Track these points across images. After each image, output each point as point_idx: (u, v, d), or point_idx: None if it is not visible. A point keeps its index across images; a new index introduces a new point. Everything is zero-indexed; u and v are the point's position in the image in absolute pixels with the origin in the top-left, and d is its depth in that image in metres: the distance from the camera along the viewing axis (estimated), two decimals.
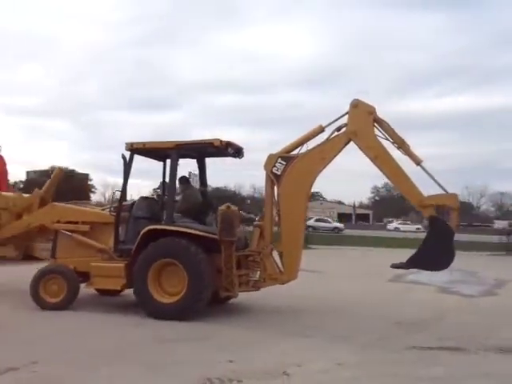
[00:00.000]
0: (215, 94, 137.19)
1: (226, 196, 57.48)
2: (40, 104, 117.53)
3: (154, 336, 6.96)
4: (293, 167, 8.32)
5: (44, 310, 8.43)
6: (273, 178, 8.44)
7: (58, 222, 9.27)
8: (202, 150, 9.09)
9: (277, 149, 8.61)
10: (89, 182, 76.16)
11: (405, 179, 8.09)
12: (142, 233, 8.27)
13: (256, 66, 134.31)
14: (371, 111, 8.17)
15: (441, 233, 7.77)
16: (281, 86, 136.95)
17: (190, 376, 5.24)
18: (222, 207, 8.11)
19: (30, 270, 9.19)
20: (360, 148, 8.25)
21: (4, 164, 27.73)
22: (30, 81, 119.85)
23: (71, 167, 63.75)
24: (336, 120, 8.44)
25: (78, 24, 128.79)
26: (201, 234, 8.20)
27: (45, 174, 60.24)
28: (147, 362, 5.72)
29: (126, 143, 8.74)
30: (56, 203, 10.49)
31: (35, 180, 58.83)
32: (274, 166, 8.38)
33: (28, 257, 15.99)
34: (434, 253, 7.75)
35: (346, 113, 8.30)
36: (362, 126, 8.20)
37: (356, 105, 8.23)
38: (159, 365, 5.66)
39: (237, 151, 8.94)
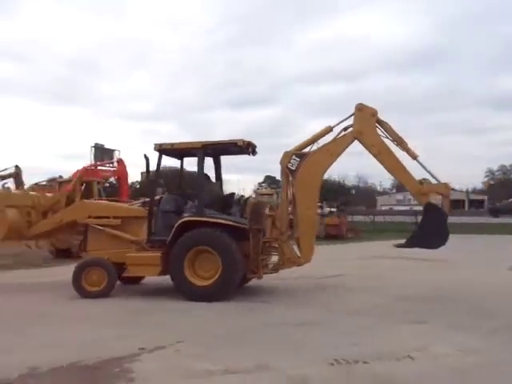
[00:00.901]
0: (312, 85, 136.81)
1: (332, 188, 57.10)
2: (150, 108, 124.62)
3: (264, 321, 7.37)
4: (306, 163, 9.42)
5: (158, 299, 9.13)
6: (288, 173, 9.52)
7: (89, 217, 10.02)
8: (225, 149, 10.10)
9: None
10: None
11: (404, 171, 9.31)
12: (177, 224, 9.10)
13: (350, 53, 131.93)
14: (374, 113, 9.34)
15: (436, 216, 8.96)
16: (378, 70, 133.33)
17: (315, 357, 5.52)
18: (252, 200, 8.93)
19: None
20: (364, 145, 9.39)
21: (124, 167, 29.94)
22: (140, 87, 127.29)
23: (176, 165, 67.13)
24: (342, 121, 9.54)
25: (172, 29, 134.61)
26: (231, 223, 9.13)
27: (157, 175, 63.76)
28: (270, 344, 6.09)
29: (155, 144, 9.65)
30: (86, 200, 11.64)
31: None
32: (289, 162, 9.45)
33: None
34: (430, 233, 8.98)
35: (351, 115, 9.40)
36: (367, 126, 9.35)
37: (361, 108, 9.38)
38: (282, 346, 5.99)
39: (253, 150, 9.95)
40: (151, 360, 5.47)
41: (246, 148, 9.60)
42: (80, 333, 6.68)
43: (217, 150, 10.07)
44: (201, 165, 9.52)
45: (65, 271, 11.50)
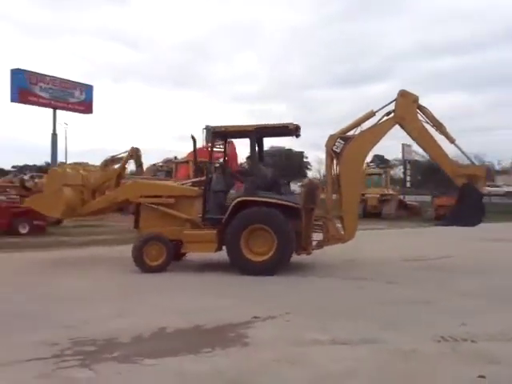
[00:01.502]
0: (428, 58, 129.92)
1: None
2: (257, 89, 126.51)
3: (372, 298, 7.55)
4: (350, 146, 10.00)
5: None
6: (333, 155, 10.08)
7: (141, 196, 10.34)
8: (275, 132, 10.52)
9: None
10: (304, 160, 79.76)
11: (442, 154, 9.96)
12: (234, 203, 9.56)
13: (467, 23, 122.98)
14: (416, 100, 9.97)
15: (472, 196, 9.65)
16: (496, 42, 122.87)
17: (422, 334, 5.60)
18: (306, 180, 9.25)
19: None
20: (405, 130, 10.02)
21: (234, 148, 31.11)
22: (248, 68, 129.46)
23: (288, 147, 67.67)
24: (384, 106, 10.11)
25: (276, 8, 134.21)
26: (284, 203, 9.53)
27: (267, 155, 64.72)
28: (381, 320, 6.23)
29: (210, 127, 10.59)
30: (138, 180, 12.15)
31: None
32: (334, 144, 10.04)
33: None
34: (468, 212, 9.70)
35: (394, 100, 10.01)
36: (408, 112, 9.98)
37: (403, 94, 10.02)
38: (393, 323, 6.11)
39: (299, 133, 10.33)
40: (263, 328, 5.88)
41: (294, 131, 10.04)
42: (196, 301, 7.31)
43: (268, 132, 10.42)
44: (253, 146, 9.97)
45: None
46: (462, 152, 10.09)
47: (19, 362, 4.72)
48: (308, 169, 78.06)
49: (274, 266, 9.41)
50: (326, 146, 10.13)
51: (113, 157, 12.74)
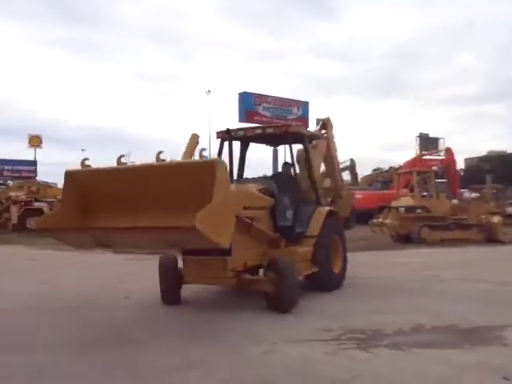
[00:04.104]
0: None
1: None
2: (474, 90, 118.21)
3: None
4: None
5: None
6: None
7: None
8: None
9: None
10: None
11: None
12: (325, 215, 8.83)
13: None
14: None
15: None
16: None
17: None
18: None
19: None
20: None
21: (452, 155, 30.06)
22: (462, 69, 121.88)
23: (509, 150, 62.11)
24: None
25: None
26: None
27: (483, 159, 60.61)
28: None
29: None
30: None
31: (474, 167, 60.06)
32: None
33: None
34: None
35: None
36: None
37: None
38: None
39: None
40: None
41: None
42: (442, 304, 7.78)
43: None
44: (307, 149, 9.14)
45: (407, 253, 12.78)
46: None
47: (308, 341, 5.88)
48: None
49: (343, 278, 9.20)
50: None
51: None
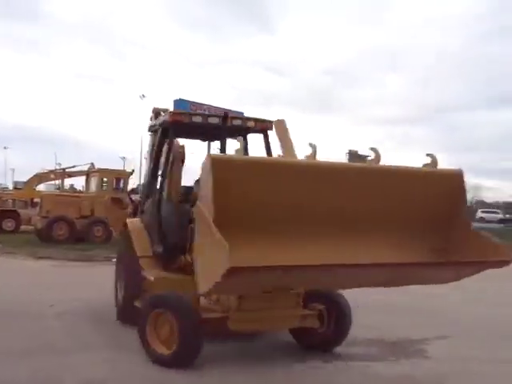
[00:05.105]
0: None
1: None
2: (402, 112, 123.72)
3: None
4: None
5: None
6: None
7: None
8: None
9: None
10: None
11: None
12: None
13: None
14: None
15: None
16: None
17: None
18: None
19: None
20: None
21: None
22: (392, 91, 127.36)
23: None
24: None
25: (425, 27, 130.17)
26: None
27: None
28: None
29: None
30: None
31: None
32: None
33: None
34: None
35: None
36: None
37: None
38: None
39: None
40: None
41: None
42: None
43: None
44: None
45: None
46: None
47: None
48: None
49: None
50: None
51: None
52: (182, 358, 5.02)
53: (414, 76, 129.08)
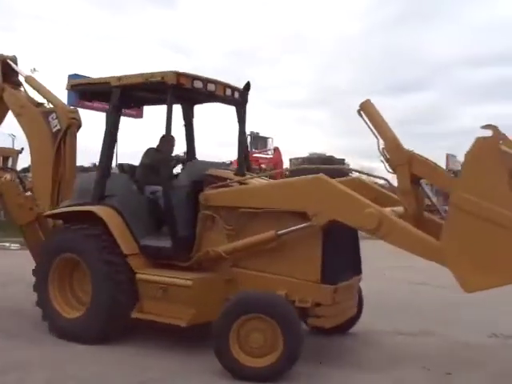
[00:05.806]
0: (474, 69, 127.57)
1: None
2: (303, 95, 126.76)
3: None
4: None
5: None
6: None
7: None
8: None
9: None
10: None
11: None
12: None
13: None
14: None
15: None
16: None
17: (479, 330, 6.29)
18: None
19: None
20: None
21: (280, 154, 31.57)
22: (292, 74, 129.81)
23: (328, 153, 68.03)
24: None
25: (323, 17, 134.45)
26: None
27: (306, 160, 65.31)
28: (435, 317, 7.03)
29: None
30: None
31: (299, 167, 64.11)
32: None
33: None
34: None
35: None
36: None
37: None
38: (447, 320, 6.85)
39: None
40: None
41: None
42: None
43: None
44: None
45: None
46: None
47: None
48: (349, 176, 77.85)
49: None
50: None
51: None
52: (281, 370, 4.51)
53: (313, 60, 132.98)
